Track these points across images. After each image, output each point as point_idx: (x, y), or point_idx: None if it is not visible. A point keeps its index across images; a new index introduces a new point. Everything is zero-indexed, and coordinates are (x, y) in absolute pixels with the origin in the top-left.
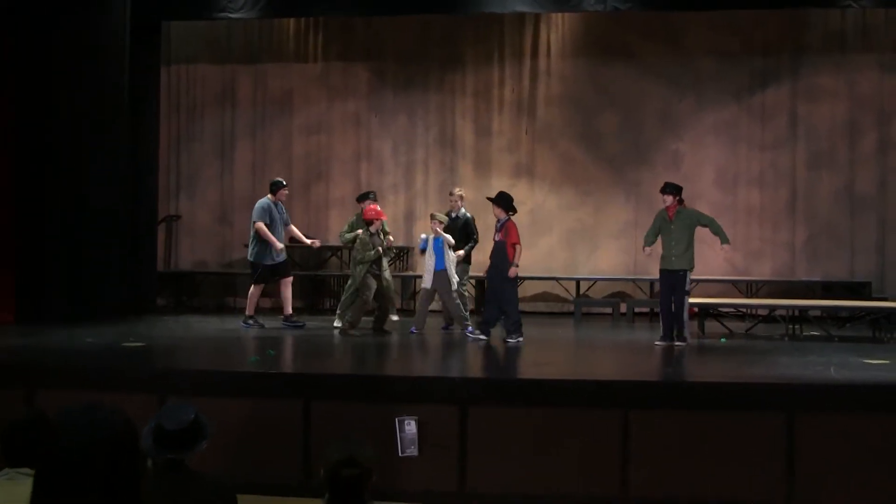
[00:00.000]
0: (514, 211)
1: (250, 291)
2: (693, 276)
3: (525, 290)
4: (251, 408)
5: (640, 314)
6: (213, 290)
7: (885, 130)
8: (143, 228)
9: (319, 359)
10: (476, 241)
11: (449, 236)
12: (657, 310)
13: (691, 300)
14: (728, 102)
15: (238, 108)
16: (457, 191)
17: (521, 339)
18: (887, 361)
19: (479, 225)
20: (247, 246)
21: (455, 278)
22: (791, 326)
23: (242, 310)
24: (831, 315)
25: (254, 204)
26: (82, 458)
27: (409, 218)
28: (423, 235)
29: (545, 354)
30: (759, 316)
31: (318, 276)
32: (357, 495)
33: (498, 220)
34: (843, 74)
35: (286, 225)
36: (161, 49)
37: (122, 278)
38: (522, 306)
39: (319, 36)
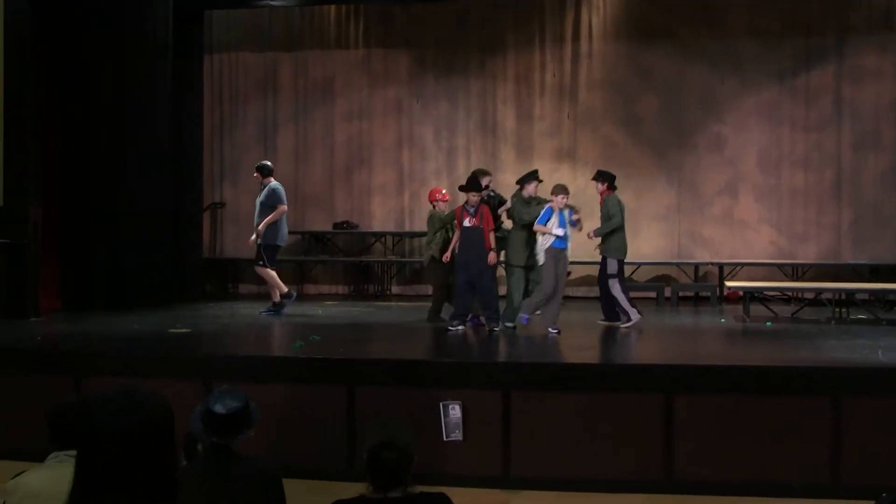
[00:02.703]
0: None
1: (271, 274)
2: (738, 260)
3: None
4: (295, 393)
5: (685, 298)
6: (257, 276)
7: None
8: (187, 216)
9: (363, 344)
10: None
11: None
12: (703, 293)
13: (735, 283)
14: (771, 84)
15: (280, 96)
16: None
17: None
18: None
19: None
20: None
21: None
22: (837, 310)
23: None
24: (878, 298)
25: (296, 191)
26: (119, 441)
27: (452, 204)
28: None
29: (588, 339)
30: (805, 299)
31: (362, 263)
32: (397, 478)
33: (471, 206)
34: (889, 54)
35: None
36: (203, 38)
37: (167, 265)
38: (566, 290)
39: (360, 22)
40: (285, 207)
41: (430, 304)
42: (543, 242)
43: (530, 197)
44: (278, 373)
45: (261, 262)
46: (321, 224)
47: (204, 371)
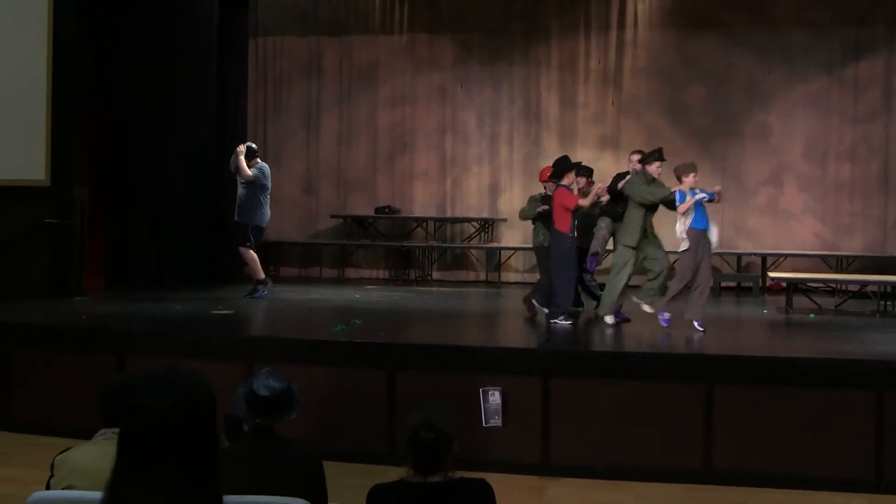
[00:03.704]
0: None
1: (254, 256)
2: (781, 251)
3: (608, 262)
4: (337, 376)
5: (727, 288)
6: (299, 259)
7: None
8: (230, 199)
9: (404, 328)
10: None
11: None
12: (745, 284)
13: (778, 274)
14: (819, 74)
15: (324, 80)
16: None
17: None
18: None
19: None
20: (336, 216)
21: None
22: (882, 302)
23: (329, 279)
24: None
25: (338, 175)
26: (159, 418)
27: (494, 190)
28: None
29: (629, 327)
30: (850, 291)
31: (403, 247)
32: (436, 460)
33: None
34: None
35: None
36: (249, 21)
37: (210, 247)
38: (603, 279)
39: (405, 8)
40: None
41: (470, 289)
42: (682, 228)
43: (653, 178)
44: (319, 356)
45: (248, 244)
46: (363, 208)
47: (245, 353)
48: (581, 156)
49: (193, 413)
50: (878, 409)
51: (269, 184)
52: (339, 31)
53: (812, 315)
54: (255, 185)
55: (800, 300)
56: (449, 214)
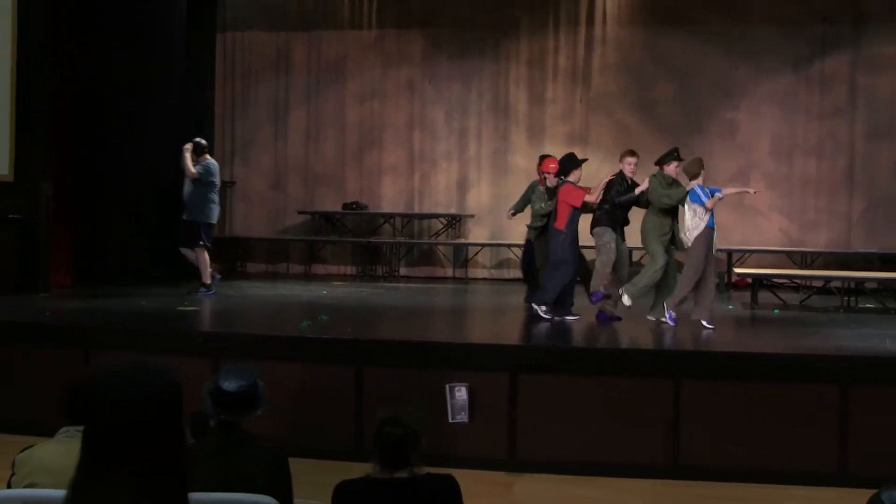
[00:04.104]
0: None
1: (205, 257)
2: (747, 247)
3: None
4: (304, 373)
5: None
6: (266, 255)
7: None
8: None
9: (371, 325)
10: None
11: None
12: None
13: (744, 270)
14: (786, 71)
15: (292, 75)
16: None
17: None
18: None
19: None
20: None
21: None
22: (846, 298)
23: (296, 275)
24: (888, 287)
25: (306, 171)
26: (125, 414)
27: (462, 186)
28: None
29: (598, 324)
30: (814, 287)
31: (371, 243)
32: (401, 456)
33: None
34: None
35: None
36: (217, 16)
37: (178, 243)
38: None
39: (374, 3)
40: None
41: (437, 285)
42: (696, 224)
43: (672, 179)
44: (286, 352)
45: (201, 243)
46: (331, 204)
47: (212, 349)
48: (550, 152)
49: (160, 409)
50: (841, 404)
51: (217, 180)
52: (308, 26)
53: (777, 311)
54: (202, 181)
55: (765, 296)
56: (417, 210)
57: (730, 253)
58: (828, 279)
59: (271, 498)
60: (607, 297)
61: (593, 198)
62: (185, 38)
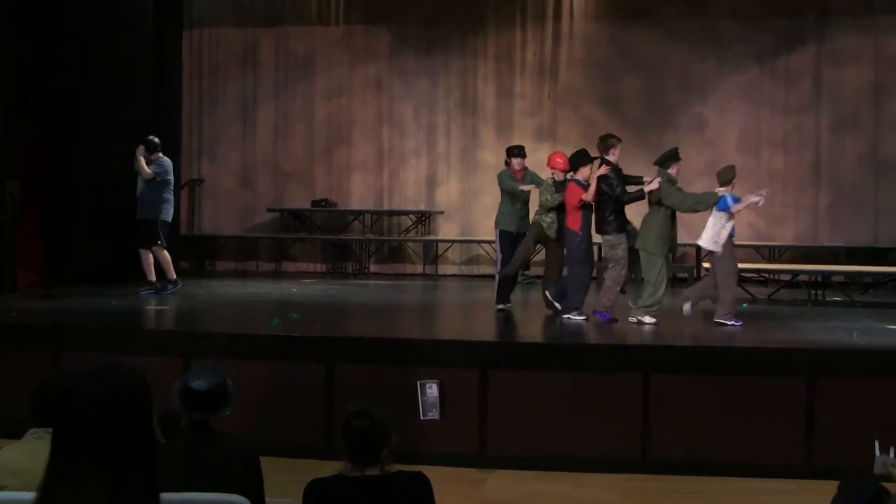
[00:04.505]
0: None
1: (164, 255)
2: None
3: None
4: (274, 371)
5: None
6: (235, 253)
7: None
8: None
9: (341, 322)
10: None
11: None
12: (680, 274)
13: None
14: (751, 65)
15: (260, 71)
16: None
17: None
18: None
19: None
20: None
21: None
22: (814, 292)
23: (266, 273)
24: (854, 280)
25: (275, 168)
26: (95, 417)
27: (431, 182)
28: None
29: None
30: (782, 281)
31: (340, 241)
32: (371, 449)
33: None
34: (869, 37)
35: None
36: (184, 12)
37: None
38: (540, 270)
39: None
40: (150, 173)
41: (407, 282)
42: (721, 230)
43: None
44: (257, 350)
45: (159, 242)
46: (300, 201)
47: (182, 348)
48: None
49: (130, 409)
50: (809, 397)
51: (171, 178)
52: (276, 22)
53: (745, 304)
54: (156, 180)
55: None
56: (386, 207)
57: (698, 248)
58: (795, 273)
59: (243, 497)
60: (614, 321)
61: (591, 196)
62: (152, 35)
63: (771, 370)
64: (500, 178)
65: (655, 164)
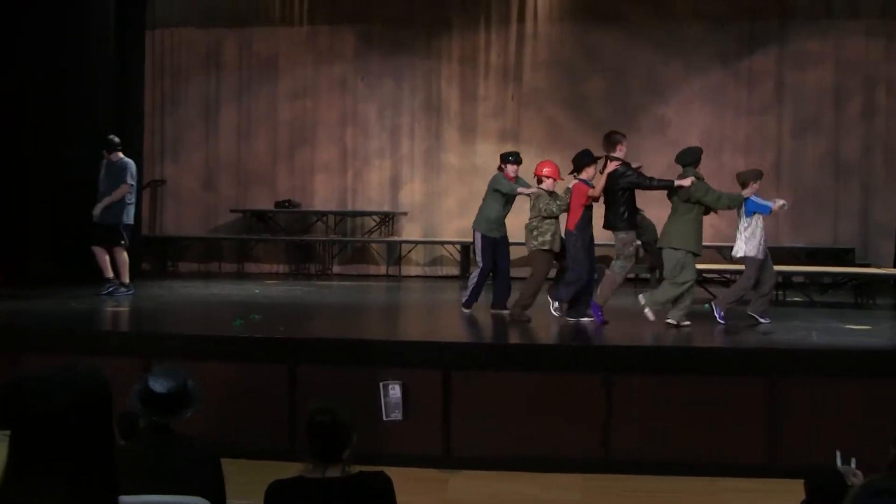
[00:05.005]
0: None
1: (123, 257)
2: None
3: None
4: (236, 372)
5: (628, 279)
6: (198, 254)
7: (870, 97)
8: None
9: (305, 323)
10: None
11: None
12: (642, 275)
13: None
14: (715, 67)
15: (223, 72)
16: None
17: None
18: (869, 327)
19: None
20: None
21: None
22: (774, 292)
23: (229, 274)
24: (815, 281)
25: (238, 169)
26: (54, 419)
27: (395, 183)
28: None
29: (534, 320)
30: None
31: (304, 241)
32: (333, 446)
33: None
34: (830, 40)
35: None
36: (146, 12)
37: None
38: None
39: None
40: (127, 187)
41: (370, 283)
42: (755, 233)
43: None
44: (218, 351)
45: (122, 242)
46: (264, 202)
47: (143, 349)
48: (482, 149)
49: (89, 411)
50: (769, 396)
51: (133, 181)
52: (239, 23)
53: (707, 305)
54: (118, 181)
55: (695, 291)
56: (350, 208)
57: (661, 249)
58: None
59: (203, 499)
60: (606, 322)
61: (597, 193)
62: (114, 36)
63: (732, 370)
64: (497, 180)
65: (677, 161)
